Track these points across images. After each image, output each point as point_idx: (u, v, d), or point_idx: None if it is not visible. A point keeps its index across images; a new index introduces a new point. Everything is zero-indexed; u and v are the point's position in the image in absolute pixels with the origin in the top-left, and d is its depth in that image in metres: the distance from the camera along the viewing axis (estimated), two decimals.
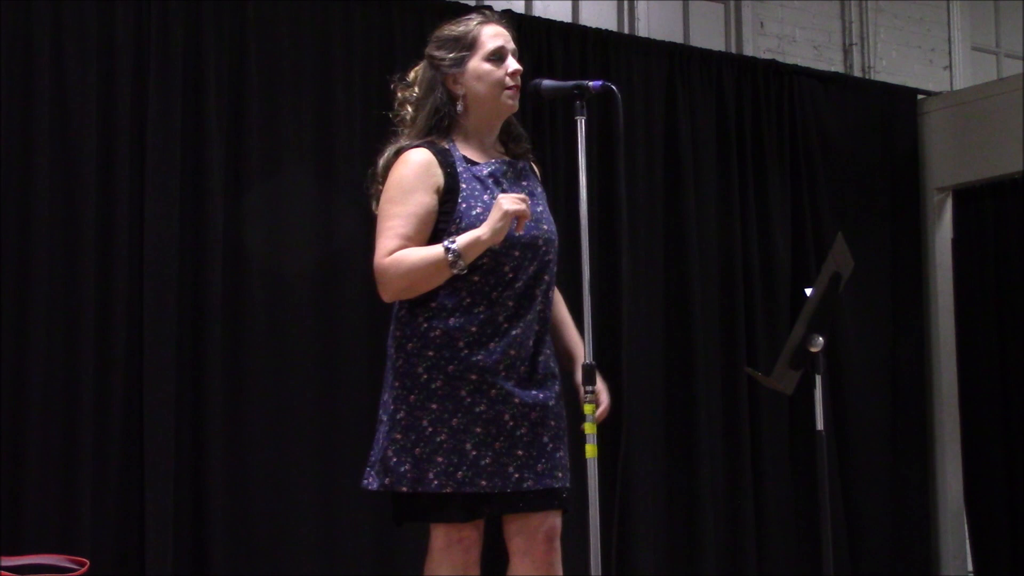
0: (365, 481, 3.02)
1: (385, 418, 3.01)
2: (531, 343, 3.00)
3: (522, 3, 6.12)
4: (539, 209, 3.08)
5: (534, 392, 2.98)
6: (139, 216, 4.89)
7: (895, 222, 7.11)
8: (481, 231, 2.90)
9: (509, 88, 3.07)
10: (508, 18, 3.23)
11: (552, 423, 2.99)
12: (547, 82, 3.08)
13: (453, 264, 2.88)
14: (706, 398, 6.19)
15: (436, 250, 2.90)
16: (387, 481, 2.96)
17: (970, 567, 7.01)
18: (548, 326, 3.07)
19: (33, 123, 4.72)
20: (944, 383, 7.08)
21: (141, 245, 4.87)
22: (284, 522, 5.04)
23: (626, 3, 6.53)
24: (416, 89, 3.14)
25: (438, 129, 3.08)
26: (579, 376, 2.98)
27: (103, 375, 4.75)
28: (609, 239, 5.86)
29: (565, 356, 3.17)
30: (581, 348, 3.11)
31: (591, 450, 2.83)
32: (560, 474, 2.98)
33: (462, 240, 2.90)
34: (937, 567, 6.96)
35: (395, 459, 2.94)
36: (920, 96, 7.29)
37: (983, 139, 6.99)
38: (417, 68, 3.17)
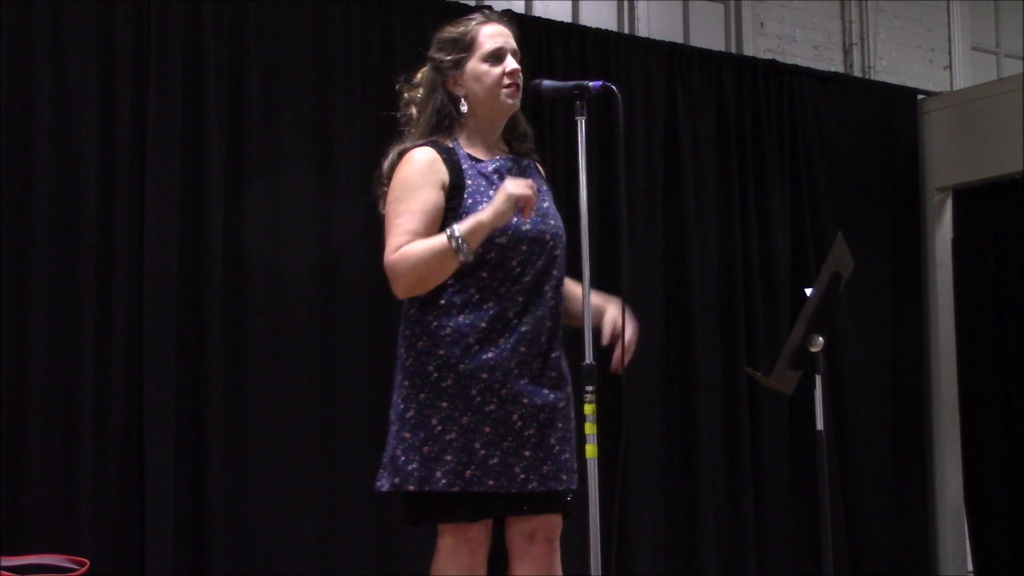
0: (378, 483, 3.00)
1: (395, 418, 3.00)
2: (543, 340, 2.99)
3: (522, 3, 6.12)
4: (545, 205, 3.09)
5: (545, 391, 2.97)
6: (139, 216, 4.89)
7: (895, 222, 7.11)
8: (483, 214, 2.89)
9: (507, 87, 3.06)
10: (509, 17, 3.22)
11: (560, 425, 2.98)
12: (547, 82, 3.08)
13: (457, 250, 2.87)
14: (706, 398, 6.19)
15: (440, 239, 2.90)
16: (396, 481, 2.95)
17: (970, 567, 7.01)
18: (561, 322, 3.05)
19: (33, 123, 4.72)
20: (944, 383, 7.08)
21: (141, 245, 4.87)
22: (284, 522, 5.04)
23: (626, 3, 6.53)
24: (420, 90, 3.14)
25: (441, 129, 3.08)
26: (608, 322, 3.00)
27: (103, 375, 4.75)
28: (609, 239, 5.86)
29: (596, 314, 3.09)
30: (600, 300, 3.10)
31: (591, 450, 2.83)
32: (565, 476, 2.97)
33: (464, 225, 2.89)
34: (937, 567, 6.96)
35: (403, 458, 2.93)
36: (920, 96, 7.29)
37: (983, 139, 6.99)
38: (423, 69, 3.17)
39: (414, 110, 3.15)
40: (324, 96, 5.38)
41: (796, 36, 7.07)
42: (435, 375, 2.93)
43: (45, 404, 4.62)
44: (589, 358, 2.86)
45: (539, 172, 3.21)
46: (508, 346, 2.94)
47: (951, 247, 7.22)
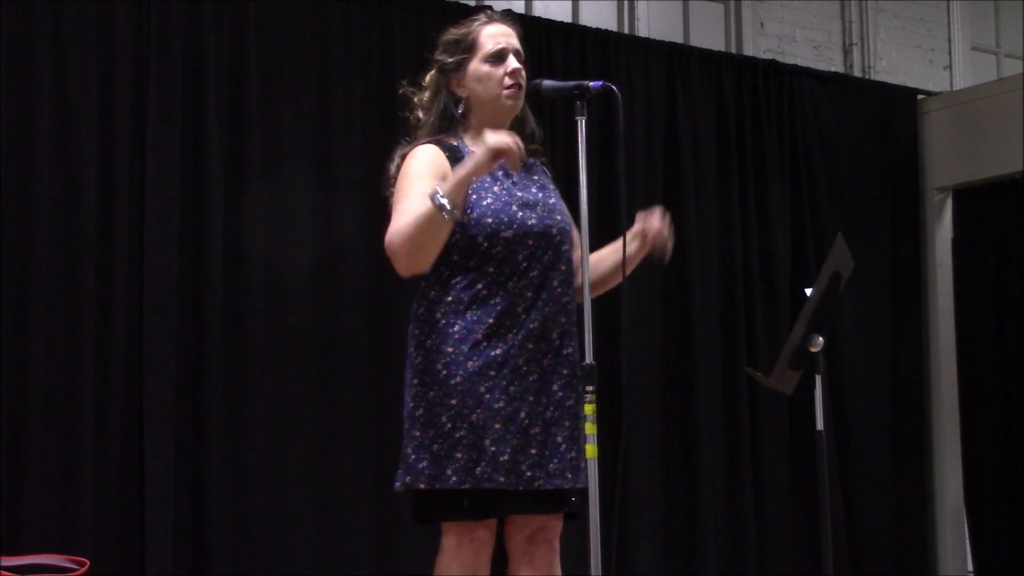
0: (396, 484, 3.00)
1: (406, 417, 2.99)
2: (555, 336, 2.99)
3: (522, 3, 6.12)
4: (552, 201, 3.08)
5: (554, 388, 2.97)
6: (139, 216, 4.89)
7: (895, 222, 7.11)
8: (462, 167, 2.88)
9: (508, 88, 3.06)
10: (512, 18, 3.22)
11: (567, 423, 2.97)
12: (547, 82, 3.08)
13: (441, 208, 2.83)
14: (706, 398, 6.19)
15: (424, 204, 2.87)
16: (408, 479, 2.94)
17: (970, 567, 7.01)
18: (574, 318, 3.04)
19: (33, 123, 4.72)
20: (944, 383, 7.08)
21: (141, 245, 4.87)
22: (284, 522, 5.04)
23: (626, 3, 6.53)
24: (427, 93, 3.14)
25: (446, 130, 3.08)
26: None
27: (103, 375, 4.75)
28: (609, 239, 5.84)
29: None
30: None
31: (591, 450, 2.83)
32: (570, 475, 2.96)
33: (445, 185, 2.88)
34: (936, 567, 6.96)
35: (414, 456, 2.93)
36: (920, 96, 7.29)
37: (983, 139, 6.99)
38: (431, 72, 3.16)
39: (421, 113, 3.15)
40: (324, 96, 5.38)
41: (796, 36, 7.07)
42: (444, 372, 2.92)
43: (45, 404, 4.62)
44: (589, 358, 2.86)
45: (545, 172, 3.20)
46: (517, 342, 2.93)
47: (951, 247, 7.21)
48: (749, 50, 6.82)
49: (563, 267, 3.02)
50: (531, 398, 2.94)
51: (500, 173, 3.03)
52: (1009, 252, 7.00)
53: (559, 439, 2.95)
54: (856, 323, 6.78)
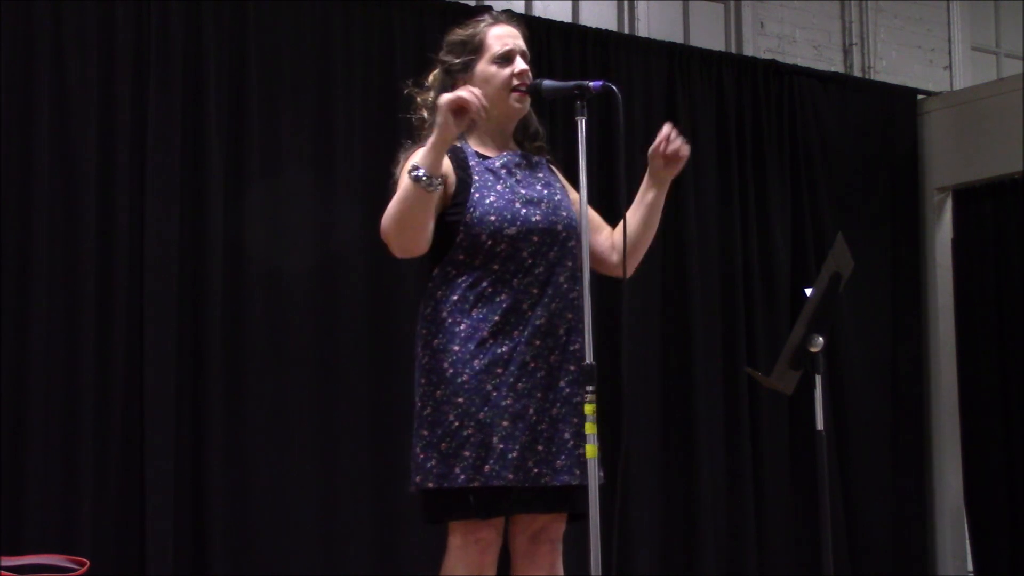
0: (410, 487, 3.00)
1: (415, 416, 2.99)
2: (562, 332, 2.98)
3: (522, 3, 6.12)
4: (557, 198, 3.07)
5: (561, 385, 2.97)
6: (139, 216, 4.89)
7: (895, 222, 7.11)
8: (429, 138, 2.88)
9: (516, 89, 3.05)
10: (517, 18, 3.21)
11: (575, 420, 2.96)
12: (547, 82, 3.07)
13: (417, 179, 2.83)
14: (706, 398, 6.19)
15: (404, 182, 2.88)
16: (417, 479, 2.94)
17: (970, 567, 7.01)
18: (581, 314, 3.03)
19: (33, 123, 4.72)
20: (944, 383, 7.08)
21: (141, 245, 4.88)
22: (284, 522, 5.04)
23: (626, 3, 6.53)
24: (431, 93, 3.13)
25: None
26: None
27: (103, 375, 4.75)
28: None
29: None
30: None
31: (591, 450, 2.83)
32: (578, 471, 2.95)
33: (417, 155, 2.88)
34: (936, 567, 6.96)
35: (422, 455, 2.93)
36: (920, 96, 7.29)
37: (983, 139, 6.99)
38: (434, 72, 3.16)
39: (425, 113, 3.14)
40: (324, 96, 5.38)
41: (796, 36, 7.07)
42: (450, 371, 2.92)
43: (45, 404, 4.62)
44: (589, 358, 2.86)
45: (551, 170, 3.19)
46: (523, 339, 2.93)
47: (951, 247, 7.21)
48: (749, 50, 6.82)
49: (569, 263, 3.02)
50: (539, 394, 2.94)
51: (503, 172, 3.03)
52: (1009, 252, 7.00)
53: (566, 435, 2.95)
54: (856, 323, 6.78)
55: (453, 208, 2.97)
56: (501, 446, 2.89)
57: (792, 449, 6.44)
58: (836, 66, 7.16)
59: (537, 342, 2.95)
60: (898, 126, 7.18)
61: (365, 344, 5.30)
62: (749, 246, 6.48)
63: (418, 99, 3.18)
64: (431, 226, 2.94)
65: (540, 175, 3.11)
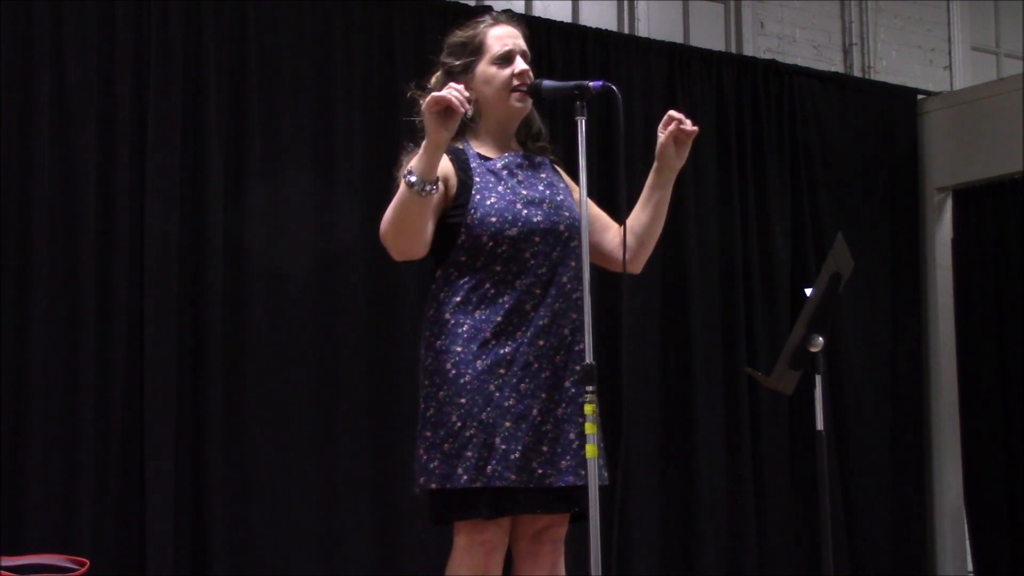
0: (415, 488, 3.00)
1: (419, 418, 2.99)
2: (567, 332, 2.98)
3: (522, 3, 6.12)
4: (559, 198, 3.06)
5: (566, 385, 2.96)
6: (139, 216, 4.89)
7: (895, 222, 7.11)
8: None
9: (516, 91, 3.05)
10: (517, 18, 3.21)
11: (580, 420, 2.95)
12: (547, 82, 3.06)
13: (410, 184, 2.82)
14: (706, 398, 6.19)
15: (400, 186, 2.87)
16: (421, 480, 2.93)
17: (970, 567, 7.01)
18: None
19: (33, 123, 4.72)
20: (944, 383, 7.08)
21: (141, 245, 4.88)
22: (284, 522, 5.04)
23: (626, 3, 6.53)
24: None
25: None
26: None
27: (103, 375, 4.75)
28: None
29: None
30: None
31: (591, 450, 2.82)
32: (583, 472, 2.95)
33: (411, 160, 2.87)
34: (936, 567, 6.96)
35: (425, 456, 2.92)
36: (920, 96, 7.29)
37: (983, 139, 6.99)
38: (436, 74, 3.15)
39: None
40: (324, 96, 5.38)
41: (796, 36, 7.07)
42: (453, 372, 2.92)
43: (45, 404, 4.62)
44: (589, 358, 2.86)
45: (554, 170, 3.19)
46: (526, 339, 2.93)
47: (951, 247, 7.21)
48: (749, 50, 6.82)
49: (572, 263, 3.01)
50: (543, 395, 2.94)
51: (505, 173, 3.03)
52: (1009, 252, 7.00)
53: (571, 436, 2.94)
54: (856, 323, 6.78)
55: (454, 210, 2.97)
56: (503, 447, 2.88)
57: (792, 449, 6.44)
58: (836, 66, 7.16)
59: (541, 342, 2.94)
60: (898, 126, 7.18)
61: (365, 344, 5.30)
62: (749, 246, 6.48)
63: (420, 101, 3.17)
64: (428, 230, 2.93)
65: (543, 175, 3.10)
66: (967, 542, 7.01)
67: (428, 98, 2.82)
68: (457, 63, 3.07)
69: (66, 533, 4.57)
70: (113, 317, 4.80)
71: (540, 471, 2.92)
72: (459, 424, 2.90)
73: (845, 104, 6.99)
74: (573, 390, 2.96)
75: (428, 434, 2.93)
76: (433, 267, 3.04)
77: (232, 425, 4.98)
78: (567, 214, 3.05)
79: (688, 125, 3.12)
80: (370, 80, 5.48)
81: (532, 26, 5.81)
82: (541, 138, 3.19)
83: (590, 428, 2.84)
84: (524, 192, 3.01)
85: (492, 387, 2.91)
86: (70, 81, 4.81)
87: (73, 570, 3.49)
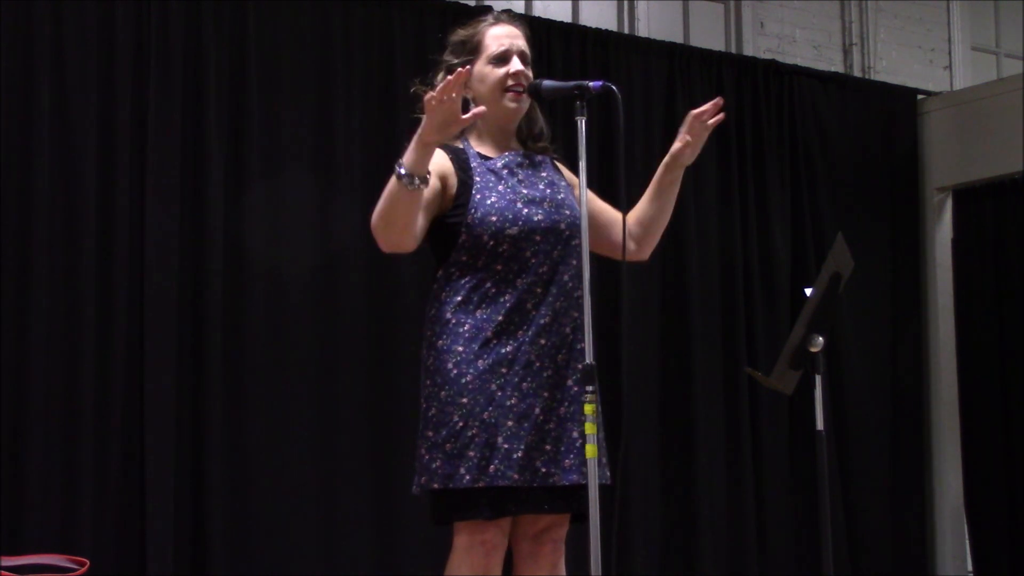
0: (413, 488, 2.99)
1: (420, 418, 2.99)
2: (568, 330, 2.98)
3: (522, 3, 6.12)
4: (560, 196, 3.06)
5: (568, 384, 2.96)
6: (139, 216, 4.89)
7: (895, 222, 7.11)
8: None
9: (510, 90, 3.05)
10: (519, 18, 3.20)
11: (583, 418, 2.94)
12: (547, 82, 3.06)
13: (400, 176, 2.81)
14: (706, 398, 6.19)
15: (391, 179, 2.86)
16: (422, 480, 2.93)
17: (970, 567, 7.01)
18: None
19: (33, 123, 4.72)
20: (944, 383, 7.08)
21: (142, 244, 4.88)
22: (284, 522, 5.04)
23: (626, 3, 6.53)
24: None
25: None
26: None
27: (103, 375, 4.75)
28: None
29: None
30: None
31: (591, 450, 2.82)
32: (586, 470, 2.95)
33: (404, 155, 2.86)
34: (936, 567, 6.96)
35: (427, 456, 2.92)
36: (920, 96, 7.29)
37: (983, 139, 6.99)
38: (440, 73, 3.15)
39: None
40: (324, 96, 5.38)
41: (796, 36, 7.07)
42: (455, 372, 2.91)
43: (45, 404, 4.62)
44: (589, 358, 2.86)
45: (555, 168, 3.19)
46: (527, 338, 2.93)
47: (951, 247, 7.22)
48: (749, 50, 6.83)
49: (573, 262, 3.01)
50: (546, 394, 2.94)
51: (505, 172, 3.03)
52: (1009, 252, 7.00)
53: (575, 434, 2.94)
54: (856, 323, 6.78)
55: (455, 209, 2.97)
56: (506, 446, 2.88)
57: (792, 449, 6.44)
58: (836, 66, 7.16)
59: (542, 341, 2.94)
60: (898, 126, 7.18)
61: (365, 344, 5.30)
62: (749, 246, 6.48)
63: (424, 95, 3.16)
64: (418, 224, 2.92)
65: (543, 174, 3.10)
66: (967, 542, 7.01)
67: (427, 96, 2.79)
68: (456, 61, 3.07)
69: (66, 533, 4.57)
70: (113, 317, 4.80)
71: (544, 470, 2.91)
72: (461, 424, 2.89)
73: (845, 104, 6.99)
74: (576, 388, 2.96)
75: (430, 434, 2.93)
76: (434, 267, 3.04)
77: (232, 425, 4.98)
78: (568, 213, 3.04)
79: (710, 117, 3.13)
80: (370, 80, 5.48)
81: (532, 26, 5.79)
82: (542, 138, 3.18)
83: (590, 428, 2.84)
84: (525, 191, 3.01)
85: (494, 386, 2.91)
86: (70, 81, 4.81)
87: (73, 570, 3.49)
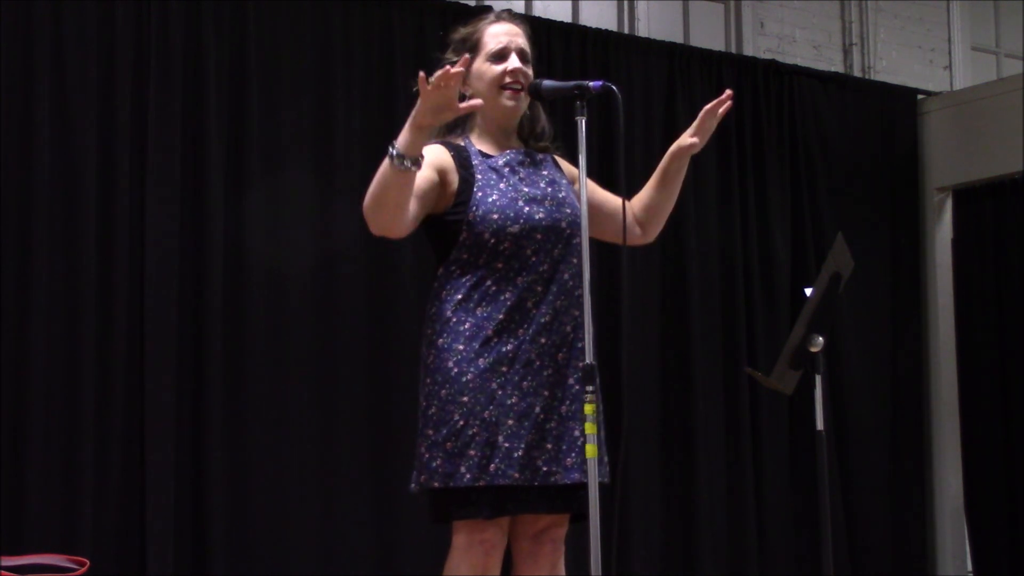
0: (411, 485, 2.99)
1: (420, 416, 2.98)
2: (569, 329, 2.98)
3: (522, 3, 6.12)
4: (561, 195, 3.06)
5: (570, 382, 2.96)
6: (140, 216, 4.89)
7: (895, 222, 7.11)
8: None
9: (507, 87, 3.05)
10: (520, 17, 3.20)
11: (584, 417, 2.95)
12: (547, 82, 3.06)
13: (391, 158, 2.77)
14: (706, 398, 6.19)
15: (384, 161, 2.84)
16: (422, 479, 2.93)
17: (970, 567, 7.01)
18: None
19: (33, 123, 4.72)
20: (944, 383, 7.08)
21: (142, 245, 4.88)
22: (284, 522, 5.04)
23: (626, 3, 6.53)
24: None
25: (452, 129, 3.07)
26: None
27: (103, 375, 4.75)
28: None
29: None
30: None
31: (591, 450, 2.82)
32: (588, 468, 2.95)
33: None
34: (936, 567, 6.96)
35: (427, 455, 2.92)
36: (920, 96, 7.29)
37: (983, 139, 6.99)
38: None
39: None
40: (324, 96, 5.38)
41: (796, 36, 7.07)
42: (455, 370, 2.91)
43: (46, 404, 4.62)
44: (589, 358, 2.85)
45: (556, 165, 3.18)
46: (528, 337, 2.93)
47: (951, 247, 7.22)
48: (749, 50, 6.83)
49: (574, 260, 3.01)
50: (546, 392, 2.93)
51: (506, 170, 3.03)
52: (1009, 252, 7.00)
53: (576, 433, 2.94)
54: (856, 323, 6.78)
55: (456, 207, 2.97)
56: (507, 445, 2.88)
57: (792, 449, 6.44)
58: (836, 66, 7.16)
59: (543, 340, 2.94)
60: (898, 126, 7.18)
61: (365, 344, 5.30)
62: (749, 246, 6.48)
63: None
64: (408, 209, 2.88)
65: (545, 172, 3.10)
66: (967, 542, 7.01)
67: (422, 79, 2.75)
68: (455, 59, 3.07)
69: (66, 533, 4.57)
70: (113, 317, 4.80)
71: (545, 468, 2.91)
72: (461, 422, 2.89)
73: (845, 104, 6.99)
74: (576, 387, 2.96)
75: (430, 432, 2.92)
76: (434, 265, 3.04)
77: (232, 425, 4.98)
78: (569, 211, 3.04)
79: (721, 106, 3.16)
80: (370, 80, 5.48)
81: (532, 26, 5.83)
82: (544, 138, 3.18)
83: (590, 428, 2.84)
84: (526, 189, 3.01)
85: (494, 385, 2.90)
86: (70, 81, 4.81)
87: (73, 570, 3.49)
